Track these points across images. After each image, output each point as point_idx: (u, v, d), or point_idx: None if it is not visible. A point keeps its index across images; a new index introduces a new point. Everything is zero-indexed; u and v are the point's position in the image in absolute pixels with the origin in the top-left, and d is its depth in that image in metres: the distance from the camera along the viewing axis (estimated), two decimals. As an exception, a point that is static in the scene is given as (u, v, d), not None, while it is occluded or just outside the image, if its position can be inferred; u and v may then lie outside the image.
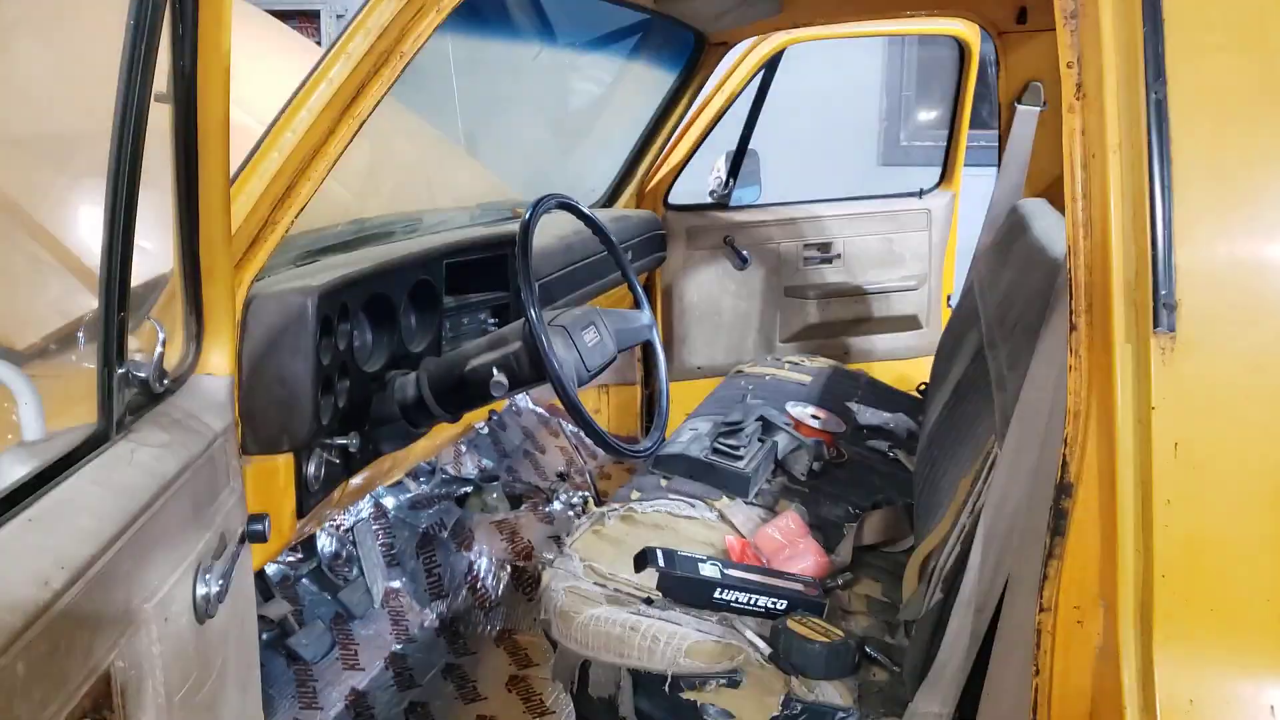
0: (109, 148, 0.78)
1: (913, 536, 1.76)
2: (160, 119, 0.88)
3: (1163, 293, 0.89)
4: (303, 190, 1.27)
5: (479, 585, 2.16)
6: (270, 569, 1.92)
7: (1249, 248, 0.90)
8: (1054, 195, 2.57)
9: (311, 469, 1.39)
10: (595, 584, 1.52)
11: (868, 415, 2.35)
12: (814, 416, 2.16)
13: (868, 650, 1.43)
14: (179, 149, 0.94)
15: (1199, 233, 0.90)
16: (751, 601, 1.47)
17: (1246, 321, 0.88)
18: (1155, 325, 0.90)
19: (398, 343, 1.64)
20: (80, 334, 0.97)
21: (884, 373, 2.97)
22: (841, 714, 1.32)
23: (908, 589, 1.49)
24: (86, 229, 1.23)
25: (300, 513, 1.39)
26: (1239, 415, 0.88)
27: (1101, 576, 0.99)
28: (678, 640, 1.36)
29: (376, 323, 1.60)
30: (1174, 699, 0.89)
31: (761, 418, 2.09)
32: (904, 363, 3.16)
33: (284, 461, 1.34)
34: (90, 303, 0.83)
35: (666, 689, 1.34)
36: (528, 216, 1.50)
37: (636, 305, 1.76)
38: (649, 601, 1.48)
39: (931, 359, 2.58)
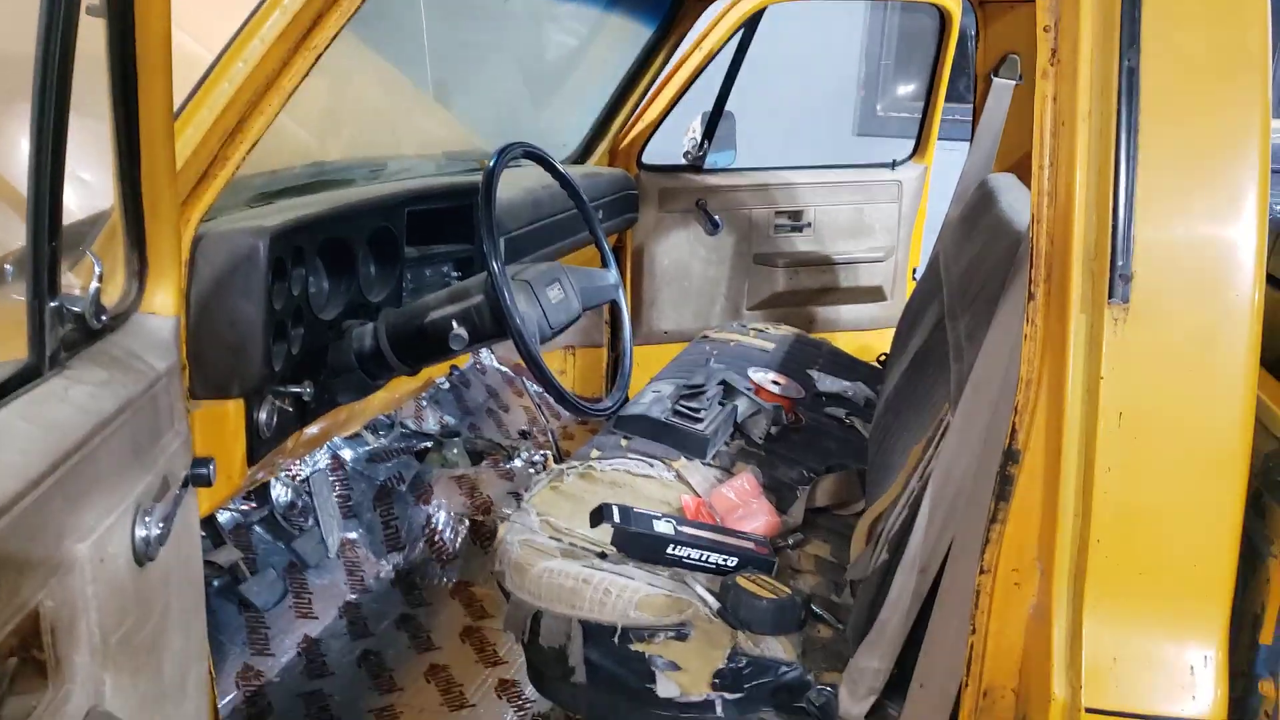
0: (33, 64, 0.75)
1: (863, 500, 1.78)
2: (95, 36, 0.84)
3: (1120, 264, 0.90)
4: (255, 125, 1.23)
5: (436, 538, 2.16)
6: (223, 516, 1.90)
7: (1206, 224, 0.90)
8: (1024, 170, 2.57)
9: (263, 416, 1.37)
10: (551, 538, 1.52)
11: (827, 383, 2.36)
12: (774, 382, 2.17)
13: (813, 608, 1.45)
14: (115, 69, 0.90)
15: (1160, 206, 0.90)
16: (703, 558, 1.48)
17: (1197, 297, 0.89)
18: (1110, 296, 0.90)
19: (356, 291, 1.61)
20: (9, 267, 0.94)
21: (847, 343, 2.99)
22: (785, 667, 1.34)
23: (855, 550, 1.51)
24: (14, 155, 1.18)
25: (251, 459, 1.38)
26: (1181, 388, 0.90)
27: (1040, 540, 1.01)
28: (629, 594, 1.37)
29: (334, 269, 1.57)
30: (1099, 657, 0.92)
31: (723, 382, 2.09)
32: (867, 333, 3.18)
33: (234, 407, 1.32)
34: (20, 234, 0.80)
35: (616, 640, 1.35)
36: (492, 164, 1.48)
37: (603, 264, 1.74)
38: (603, 556, 1.48)
39: (893, 330, 2.60)
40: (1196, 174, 0.91)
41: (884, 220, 3.13)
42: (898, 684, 1.24)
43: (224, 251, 1.26)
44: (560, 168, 1.67)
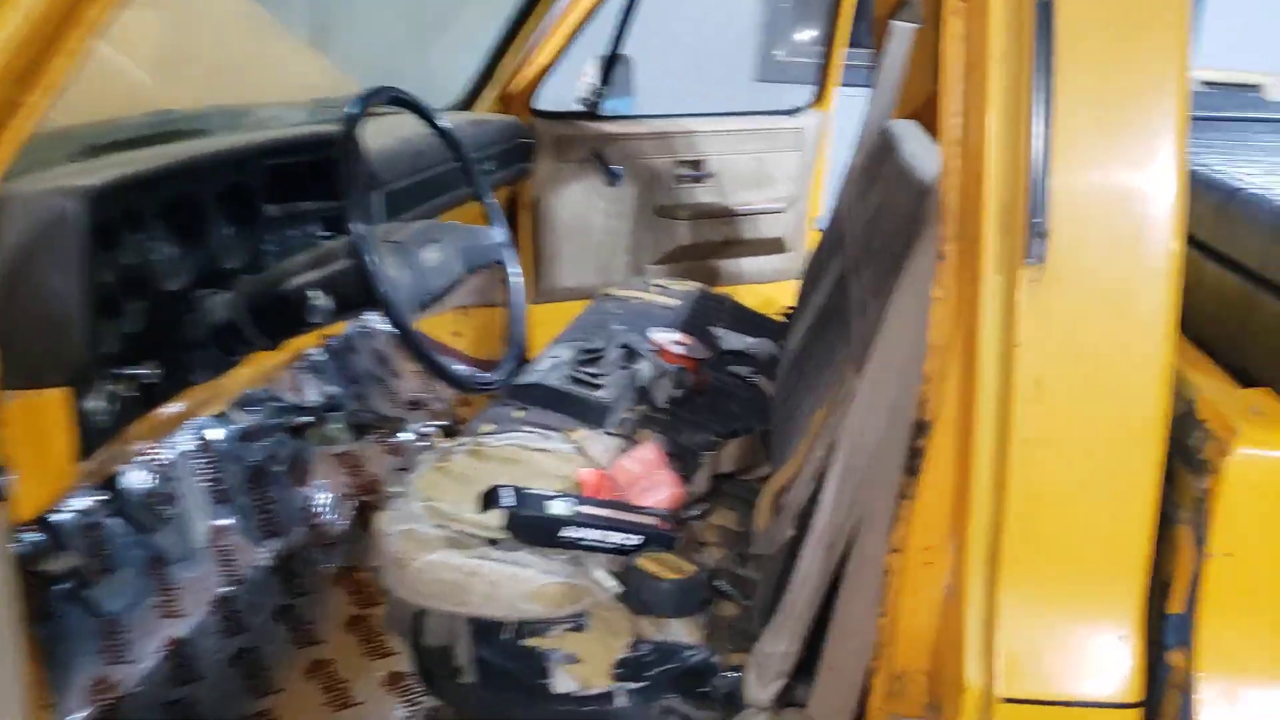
0: None
1: (769, 464, 1.72)
2: None
3: (1035, 220, 0.82)
4: (56, 66, 1.04)
5: (318, 522, 2.01)
6: (64, 516, 1.70)
7: (1125, 175, 0.83)
8: (925, 117, 2.52)
9: (94, 404, 1.20)
10: (435, 526, 1.40)
11: (731, 340, 2.29)
12: (678, 343, 2.08)
13: (718, 584, 1.38)
14: None
15: (1077, 157, 0.82)
16: (603, 539, 1.38)
17: (1116, 257, 0.83)
18: (1026, 255, 0.83)
19: (207, 257, 1.44)
20: None
21: (750, 296, 2.92)
22: (690, 651, 1.27)
23: (760, 522, 1.44)
24: None
25: (85, 453, 1.21)
26: (1101, 356, 0.83)
27: (953, 518, 0.94)
28: (520, 585, 1.27)
29: (181, 233, 1.39)
30: (1014, 643, 0.86)
31: (625, 344, 1.99)
32: (770, 286, 3.12)
33: (55, 397, 1.14)
34: None
35: (507, 636, 1.25)
36: (354, 111, 1.32)
37: (489, 221, 1.61)
38: (494, 543, 1.37)
39: (791, 282, 2.54)
40: (1115, 120, 0.83)
41: (786, 169, 3.06)
42: (806, 665, 1.18)
43: (28, 217, 1.08)
44: (433, 115, 1.52)
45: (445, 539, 1.36)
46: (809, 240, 3.14)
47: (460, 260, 1.47)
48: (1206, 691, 0.82)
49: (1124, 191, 0.83)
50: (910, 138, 2.09)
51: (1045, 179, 0.82)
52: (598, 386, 1.83)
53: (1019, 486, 0.85)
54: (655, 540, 1.40)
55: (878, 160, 2.11)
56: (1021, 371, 0.84)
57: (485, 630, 1.26)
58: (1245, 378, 0.93)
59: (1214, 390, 0.87)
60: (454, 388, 1.43)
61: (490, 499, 1.37)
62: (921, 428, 0.95)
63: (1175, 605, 0.88)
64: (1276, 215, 0.93)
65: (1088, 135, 0.83)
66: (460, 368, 1.41)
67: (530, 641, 1.24)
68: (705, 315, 2.46)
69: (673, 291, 2.63)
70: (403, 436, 2.25)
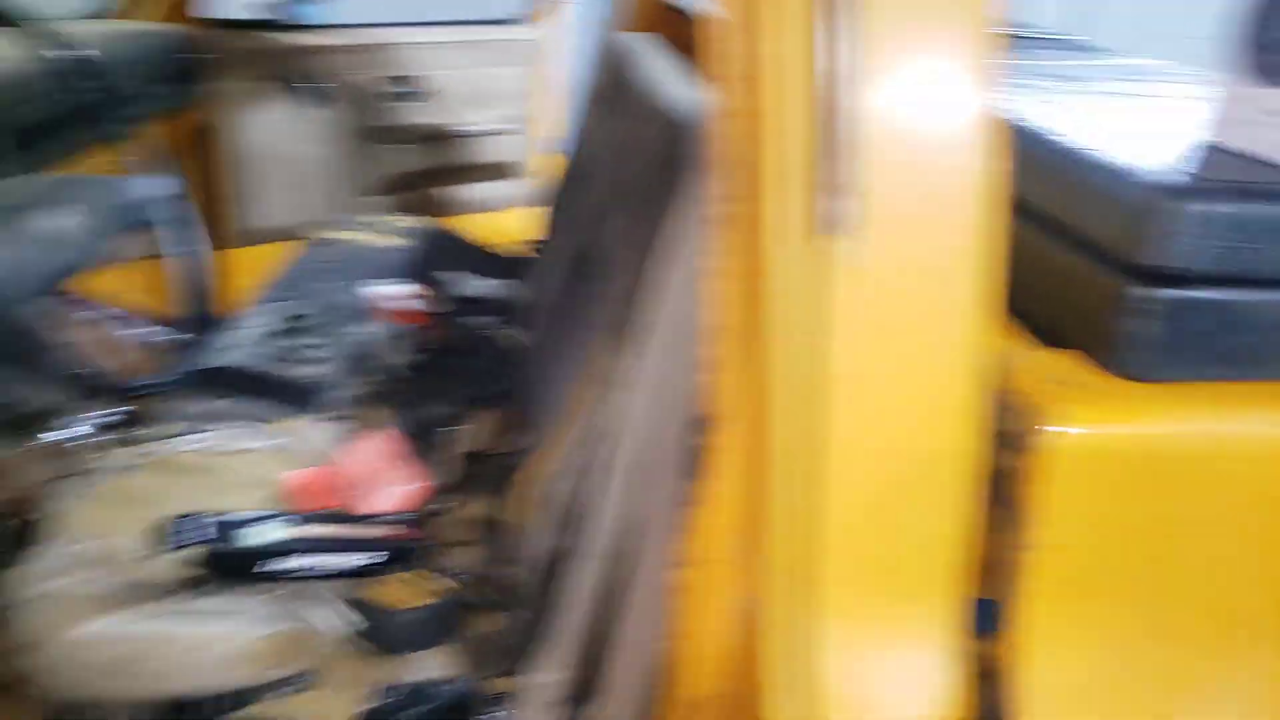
0: None
1: (524, 432, 1.54)
2: None
3: (848, 177, 0.67)
4: None
5: (-53, 557, 1.56)
6: None
7: (948, 111, 0.68)
8: (663, 30, 2.37)
9: None
10: (94, 578, 1.07)
11: (465, 285, 2.05)
12: (403, 296, 1.81)
13: (474, 599, 1.18)
14: None
15: (890, 81, 0.67)
16: (325, 564, 1.13)
17: (940, 216, 0.69)
18: (835, 221, 0.68)
19: None
20: None
21: (479, 227, 2.67)
22: (446, 686, 1.07)
23: (523, 517, 1.26)
24: None
25: None
26: (923, 336, 0.71)
27: (748, 530, 0.81)
28: (221, 646, 1.00)
29: None
30: (832, 671, 0.75)
31: (339, 304, 1.68)
32: (501, 215, 2.89)
33: None
34: None
35: (210, 715, 0.98)
36: None
37: (137, 169, 1.24)
38: (177, 591, 1.07)
39: (527, 210, 2.33)
40: (934, 41, 0.68)
41: (511, 86, 2.80)
42: (582, 685, 1.03)
43: None
44: (38, 26, 1.11)
45: (107, 596, 1.04)
46: (539, 165, 2.92)
47: (101, 224, 1.12)
48: (1025, 690, 0.75)
49: (947, 134, 0.69)
50: (650, 54, 1.92)
51: (858, 124, 0.66)
52: (310, 361, 1.53)
53: (825, 493, 0.73)
54: (394, 556, 1.17)
55: (614, 80, 1.93)
56: (836, 361, 0.70)
57: (180, 712, 0.98)
58: (1042, 335, 0.86)
59: (1022, 356, 0.79)
60: (103, 399, 1.10)
61: (157, 539, 1.07)
62: (705, 424, 0.80)
63: (981, 590, 0.81)
64: (1077, 159, 0.86)
65: (902, 51, 0.67)
66: (125, 362, 1.08)
67: (242, 715, 0.98)
68: (434, 256, 2.19)
69: (391, 228, 2.32)
70: (64, 433, 1.80)
